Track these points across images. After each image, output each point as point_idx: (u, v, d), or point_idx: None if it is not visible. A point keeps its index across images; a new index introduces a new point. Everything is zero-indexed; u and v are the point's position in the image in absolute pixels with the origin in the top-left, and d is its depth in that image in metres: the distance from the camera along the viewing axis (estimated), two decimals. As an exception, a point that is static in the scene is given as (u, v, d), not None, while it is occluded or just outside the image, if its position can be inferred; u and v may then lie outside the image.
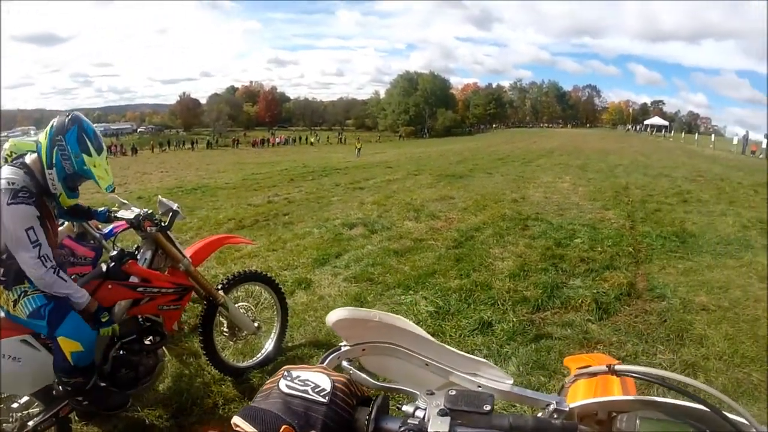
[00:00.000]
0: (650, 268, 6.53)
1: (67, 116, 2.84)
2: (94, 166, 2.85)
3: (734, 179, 16.84)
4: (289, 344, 4.43)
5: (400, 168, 23.27)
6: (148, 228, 3.18)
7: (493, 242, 7.63)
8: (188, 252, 3.63)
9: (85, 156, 2.80)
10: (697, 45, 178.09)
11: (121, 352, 3.14)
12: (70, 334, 2.76)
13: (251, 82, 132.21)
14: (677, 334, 4.63)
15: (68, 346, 2.74)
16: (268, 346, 4.22)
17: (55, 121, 2.82)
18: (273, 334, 4.26)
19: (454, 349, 1.13)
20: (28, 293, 2.75)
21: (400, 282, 5.92)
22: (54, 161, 2.76)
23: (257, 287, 4.25)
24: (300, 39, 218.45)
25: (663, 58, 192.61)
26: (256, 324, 3.97)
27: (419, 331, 1.14)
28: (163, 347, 3.49)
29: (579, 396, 1.17)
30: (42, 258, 2.64)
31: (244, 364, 4.05)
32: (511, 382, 1.09)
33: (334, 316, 1.18)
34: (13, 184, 2.60)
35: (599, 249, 7.19)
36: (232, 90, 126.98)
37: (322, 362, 1.13)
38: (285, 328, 4.34)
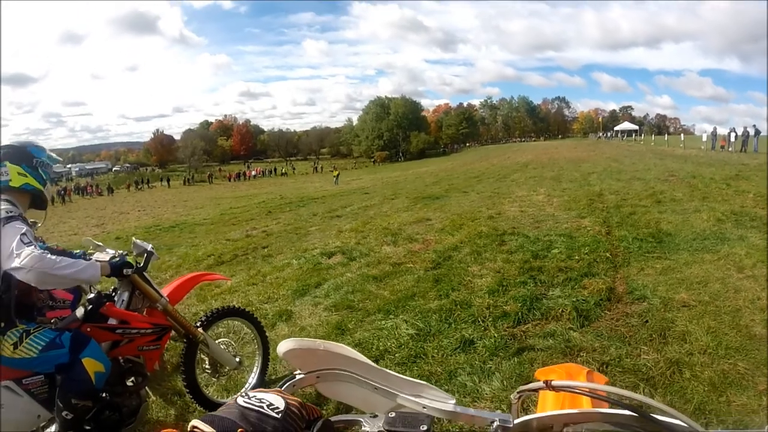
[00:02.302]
0: (629, 271, 6.60)
1: (14, 147, 3.04)
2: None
3: (706, 175, 17.08)
4: (272, 377, 4.41)
5: (376, 193, 23.36)
6: (125, 271, 3.19)
7: (471, 260, 7.66)
8: (165, 291, 3.64)
9: (47, 152, 3.17)
10: (657, 49, 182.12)
11: (104, 395, 3.12)
12: (94, 355, 2.87)
13: (225, 116, 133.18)
14: (660, 333, 4.68)
15: (93, 366, 2.83)
16: (252, 380, 4.21)
17: (12, 158, 2.97)
18: (255, 368, 4.26)
19: (398, 374, 1.17)
20: (32, 332, 2.78)
21: (380, 307, 5.92)
22: (45, 178, 3.07)
23: (237, 322, 4.25)
24: (270, 71, 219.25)
25: (625, 65, 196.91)
26: (237, 359, 3.97)
27: (363, 358, 1.19)
28: (146, 387, 3.48)
29: (548, 408, 1.23)
30: (40, 249, 2.72)
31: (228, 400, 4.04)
32: (453, 401, 1.13)
33: (283, 347, 1.24)
34: (10, 212, 2.75)
35: (576, 257, 7.25)
36: (206, 125, 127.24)
37: (279, 388, 1.17)
38: (267, 361, 4.33)
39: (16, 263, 2.60)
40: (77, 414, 2.83)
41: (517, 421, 1.00)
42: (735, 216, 9.36)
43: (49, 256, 2.68)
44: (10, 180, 2.90)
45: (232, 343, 4.08)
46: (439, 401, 1.12)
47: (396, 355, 4.64)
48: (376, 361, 4.52)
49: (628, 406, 0.90)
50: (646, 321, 4.99)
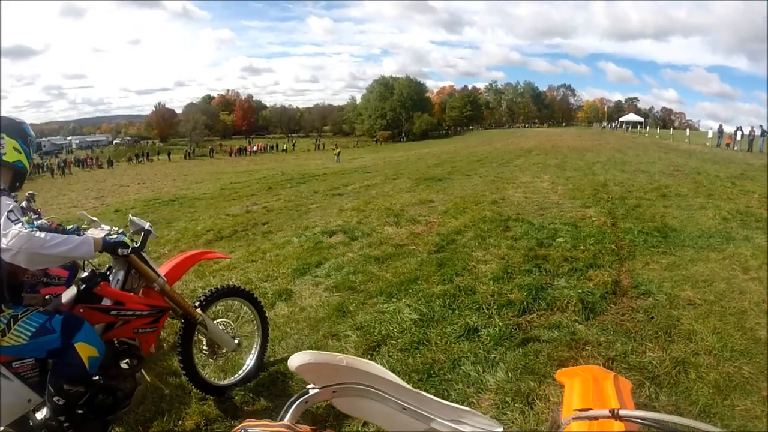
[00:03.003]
0: (634, 265, 6.50)
1: (13, 121, 2.93)
2: None
3: (711, 172, 17.01)
4: (271, 359, 4.32)
5: (378, 173, 23.26)
6: (120, 251, 3.04)
7: (475, 245, 7.56)
8: (163, 270, 3.52)
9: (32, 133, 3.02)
10: (666, 42, 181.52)
11: (98, 378, 3.01)
12: (87, 339, 2.77)
13: (227, 90, 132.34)
14: (665, 330, 4.59)
15: (86, 351, 2.74)
16: (250, 362, 4.11)
17: (10, 132, 2.85)
18: (254, 349, 4.16)
19: (433, 397, 1.06)
20: (20, 317, 2.67)
21: (383, 290, 5.82)
22: (31, 158, 2.96)
23: (236, 302, 4.14)
24: (273, 47, 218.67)
25: (633, 56, 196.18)
26: (236, 341, 3.87)
27: (392, 376, 1.07)
28: (142, 370, 3.37)
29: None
30: (29, 227, 2.62)
31: (226, 381, 3.94)
32: (501, 430, 1.01)
33: (296, 360, 1.11)
34: None
35: (582, 247, 7.16)
36: (208, 99, 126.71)
37: (288, 408, 1.05)
38: (266, 342, 4.24)
39: (2, 244, 2.47)
40: (69, 399, 2.74)
41: None
42: (741, 215, 9.26)
43: (37, 234, 2.55)
44: (5, 153, 2.78)
45: (231, 323, 3.97)
46: (482, 428, 0.99)
47: (398, 340, 4.54)
48: (378, 347, 4.47)
49: None
50: (652, 317, 4.91)
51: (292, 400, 1.10)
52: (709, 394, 3.58)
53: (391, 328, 4.79)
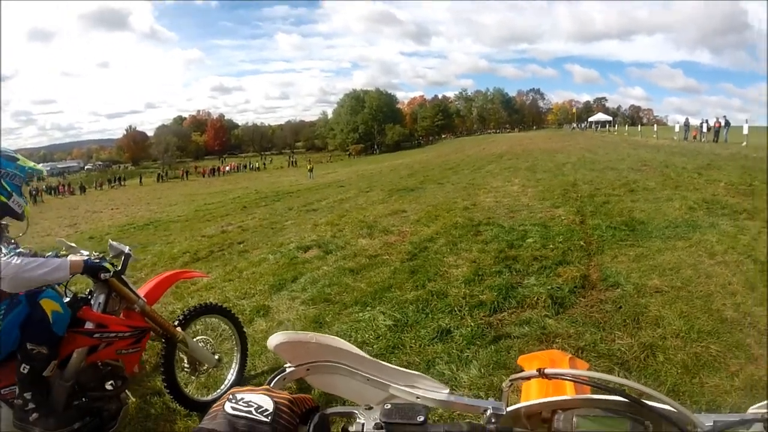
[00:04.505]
0: (602, 259, 6.70)
1: None
2: (22, 158, 3.05)
3: (678, 165, 17.40)
4: (251, 372, 4.41)
5: (351, 186, 23.30)
6: (102, 275, 3.13)
7: (447, 251, 7.72)
8: (142, 291, 3.59)
9: (18, 162, 3.00)
10: (630, 42, 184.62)
11: (84, 400, 3.08)
12: (52, 297, 2.84)
13: (198, 111, 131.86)
14: (633, 318, 4.77)
15: (50, 306, 2.79)
16: (231, 376, 4.21)
17: None
18: (234, 364, 4.26)
19: (391, 365, 1.18)
20: None
21: (357, 299, 5.95)
22: (10, 189, 2.92)
23: (215, 319, 4.24)
24: (244, 65, 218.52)
25: (598, 57, 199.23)
26: (216, 357, 3.97)
27: (356, 349, 1.20)
28: (126, 390, 3.45)
29: (532, 395, 1.26)
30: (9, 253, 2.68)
31: (209, 397, 4.03)
32: (447, 391, 1.15)
33: (274, 340, 1.24)
34: None
35: (551, 246, 7.37)
36: (180, 120, 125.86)
37: (269, 384, 1.17)
38: (245, 357, 4.34)
39: None
40: (33, 364, 2.77)
41: (509, 408, 1.03)
42: (707, 204, 9.56)
43: (15, 260, 2.65)
44: None
45: (210, 340, 4.06)
46: (433, 391, 1.14)
47: (374, 346, 4.67)
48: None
49: (617, 391, 0.93)
50: (620, 307, 5.08)
51: (271, 377, 1.23)
52: (677, 374, 3.75)
53: (366, 335, 4.92)
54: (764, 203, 9.14)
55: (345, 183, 27.24)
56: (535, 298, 5.43)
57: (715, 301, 5.04)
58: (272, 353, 4.64)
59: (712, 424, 0.89)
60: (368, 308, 5.65)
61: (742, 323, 4.50)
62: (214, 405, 0.87)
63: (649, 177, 14.63)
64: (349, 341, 1.19)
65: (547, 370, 0.99)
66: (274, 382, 1.22)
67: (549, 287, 5.68)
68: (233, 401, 0.85)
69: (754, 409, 0.94)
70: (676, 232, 7.76)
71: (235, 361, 4.28)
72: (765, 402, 0.93)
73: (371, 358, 1.21)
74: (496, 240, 8.09)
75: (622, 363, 4.01)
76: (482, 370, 4.04)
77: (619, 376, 3.82)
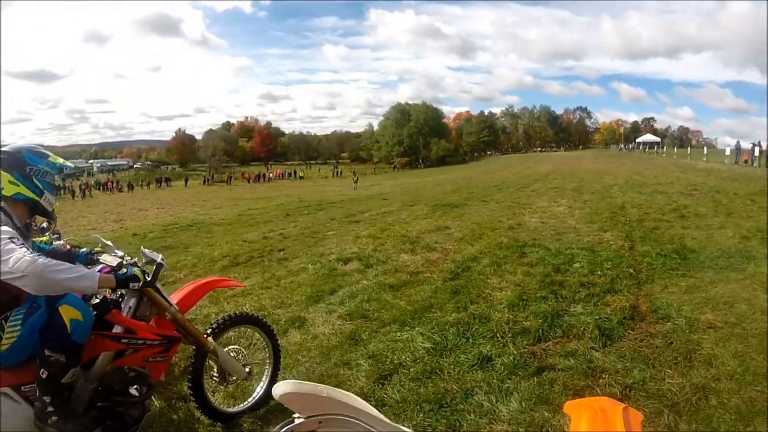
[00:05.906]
0: (652, 289, 6.41)
1: (8, 153, 2.91)
2: (52, 155, 3.05)
3: (730, 190, 16.87)
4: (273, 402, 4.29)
5: (395, 199, 23.32)
6: (131, 285, 3.00)
7: (491, 272, 7.48)
8: (175, 298, 3.51)
9: (48, 159, 3.00)
10: (677, 59, 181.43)
11: (106, 404, 3.01)
12: (72, 303, 2.73)
13: (246, 117, 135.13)
14: (685, 356, 4.48)
15: (69, 313, 2.69)
16: (260, 389, 4.08)
17: (4, 165, 2.85)
18: (265, 377, 4.14)
19: (405, 428, 1.06)
20: (9, 315, 2.68)
21: (396, 318, 5.76)
22: (42, 187, 2.92)
23: (248, 329, 4.13)
24: (291, 74, 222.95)
25: (645, 75, 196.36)
26: (247, 369, 3.84)
27: (372, 409, 1.08)
28: (151, 396, 3.37)
29: None
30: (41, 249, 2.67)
31: (235, 409, 3.92)
32: None
33: (280, 389, 1.14)
34: None
35: (599, 272, 7.06)
36: (228, 126, 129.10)
37: None
38: (277, 370, 4.21)
39: (6, 267, 2.48)
40: (50, 371, 2.69)
41: None
42: (761, 233, 9.13)
43: (41, 259, 2.55)
44: (2, 188, 2.80)
45: (242, 350, 3.95)
46: None
47: (410, 369, 4.48)
48: (390, 377, 4.43)
49: None
50: (671, 342, 4.79)
51: (277, 428, 1.12)
52: (730, 420, 3.49)
53: (403, 357, 4.72)
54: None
55: (388, 196, 27.30)
56: (582, 328, 5.15)
57: (772, 340, 4.70)
58: (312, 370, 4.56)
59: None
60: (407, 328, 5.45)
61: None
62: None
63: (700, 202, 14.18)
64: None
65: None
66: None
67: (596, 317, 5.39)
68: None
69: None
70: (730, 262, 7.40)
71: (266, 373, 4.16)
72: None
73: (388, 420, 1.08)
74: (541, 263, 7.82)
75: (672, 405, 3.73)
76: (523, 404, 3.81)
77: (667, 419, 3.59)
